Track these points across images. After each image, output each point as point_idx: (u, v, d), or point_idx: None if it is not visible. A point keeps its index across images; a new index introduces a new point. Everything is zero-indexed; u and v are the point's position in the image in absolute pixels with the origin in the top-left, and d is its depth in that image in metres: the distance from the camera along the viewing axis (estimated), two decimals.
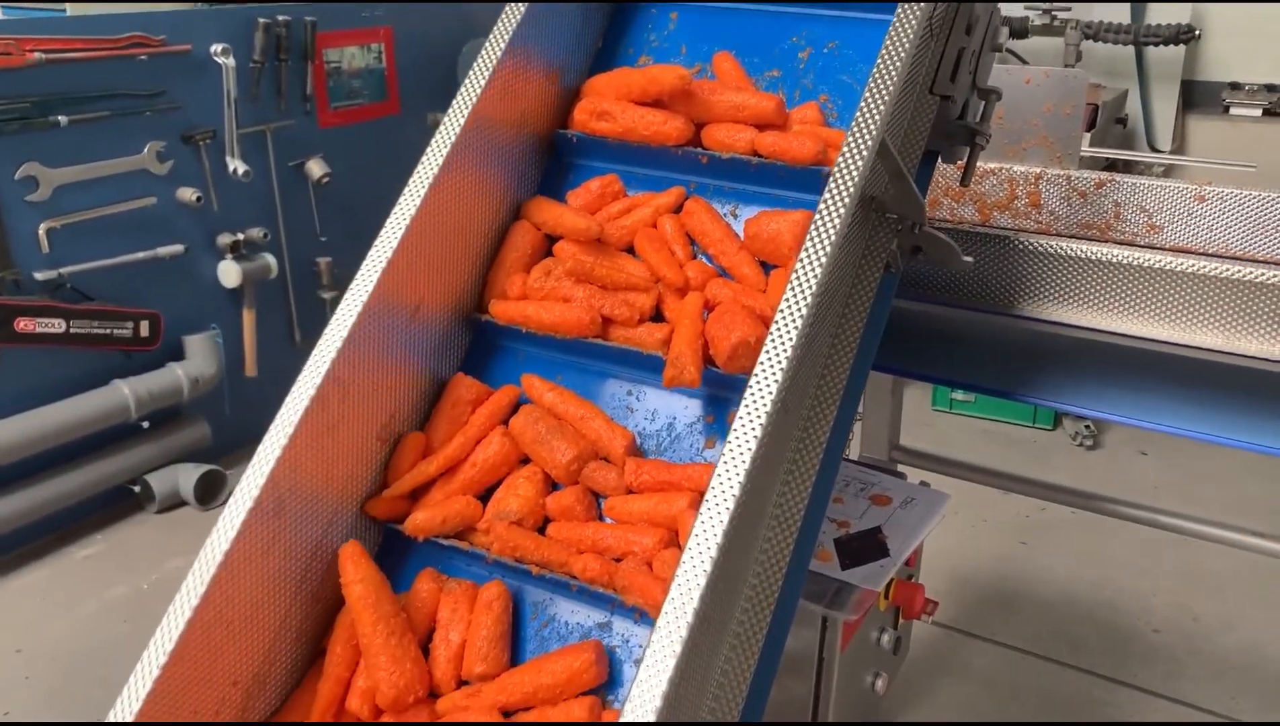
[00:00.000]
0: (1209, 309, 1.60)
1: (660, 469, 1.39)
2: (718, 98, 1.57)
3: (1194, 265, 1.57)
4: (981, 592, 3.43)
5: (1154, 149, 4.69)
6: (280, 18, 4.02)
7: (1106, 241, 2.09)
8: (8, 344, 3.39)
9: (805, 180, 1.50)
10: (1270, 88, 4.54)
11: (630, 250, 1.56)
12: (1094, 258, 1.65)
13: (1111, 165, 4.32)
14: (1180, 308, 1.61)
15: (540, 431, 1.43)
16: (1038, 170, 2.13)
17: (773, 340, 1.17)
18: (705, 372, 1.36)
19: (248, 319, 4.09)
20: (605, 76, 1.66)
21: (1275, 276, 1.53)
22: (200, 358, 3.92)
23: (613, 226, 1.55)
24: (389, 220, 1.42)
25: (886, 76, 1.32)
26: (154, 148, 3.71)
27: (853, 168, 1.26)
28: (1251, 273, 1.54)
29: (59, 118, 3.43)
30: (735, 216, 1.58)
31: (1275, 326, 1.55)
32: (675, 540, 1.33)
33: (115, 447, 3.75)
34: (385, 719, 1.28)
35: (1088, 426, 4.36)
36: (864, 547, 1.74)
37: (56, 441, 3.53)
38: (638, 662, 1.20)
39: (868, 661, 1.93)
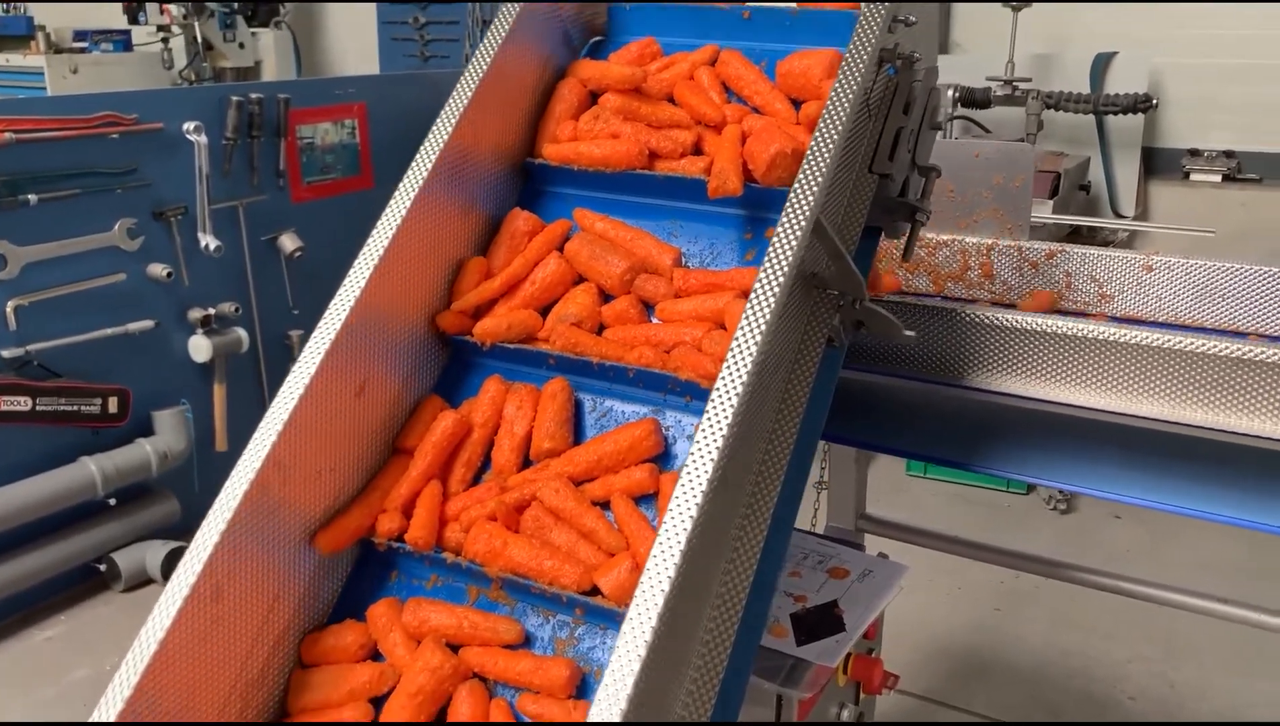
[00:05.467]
0: (1152, 378, 1.61)
1: (706, 274, 1.51)
2: None
3: (1134, 336, 1.59)
4: (956, 661, 3.40)
5: (1118, 214, 4.78)
6: (253, 96, 4.08)
7: (1058, 312, 2.12)
8: None
9: (837, 28, 1.62)
10: (1228, 154, 4.64)
11: (670, 102, 1.67)
12: (1039, 329, 1.66)
13: (1075, 231, 4.40)
14: (1125, 377, 1.63)
15: (594, 250, 1.55)
16: (990, 241, 2.17)
17: (709, 418, 1.17)
18: (745, 188, 1.47)
19: (218, 393, 4.08)
20: None
21: (1214, 346, 1.54)
22: (169, 433, 3.90)
23: (653, 79, 1.67)
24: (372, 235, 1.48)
25: (820, 158, 1.34)
26: (124, 225, 3.73)
27: (787, 248, 1.27)
28: (1193, 343, 1.56)
29: (29, 196, 3.45)
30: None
31: (1217, 395, 1.56)
32: (722, 327, 1.44)
33: (81, 525, 3.70)
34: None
35: (1061, 491, 4.36)
36: (820, 622, 1.72)
37: (21, 520, 3.48)
38: (689, 438, 1.42)
39: None
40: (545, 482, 1.39)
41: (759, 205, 1.55)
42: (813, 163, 1.34)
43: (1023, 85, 4.52)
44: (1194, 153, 4.71)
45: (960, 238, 2.19)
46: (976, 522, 4.30)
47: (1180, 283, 2.00)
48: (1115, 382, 1.64)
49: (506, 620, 1.34)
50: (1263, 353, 1.52)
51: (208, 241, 3.95)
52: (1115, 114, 4.45)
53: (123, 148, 3.71)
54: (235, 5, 6.37)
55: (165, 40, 6.30)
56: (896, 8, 1.48)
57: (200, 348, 3.97)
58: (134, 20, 6.35)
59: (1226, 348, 1.54)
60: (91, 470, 3.62)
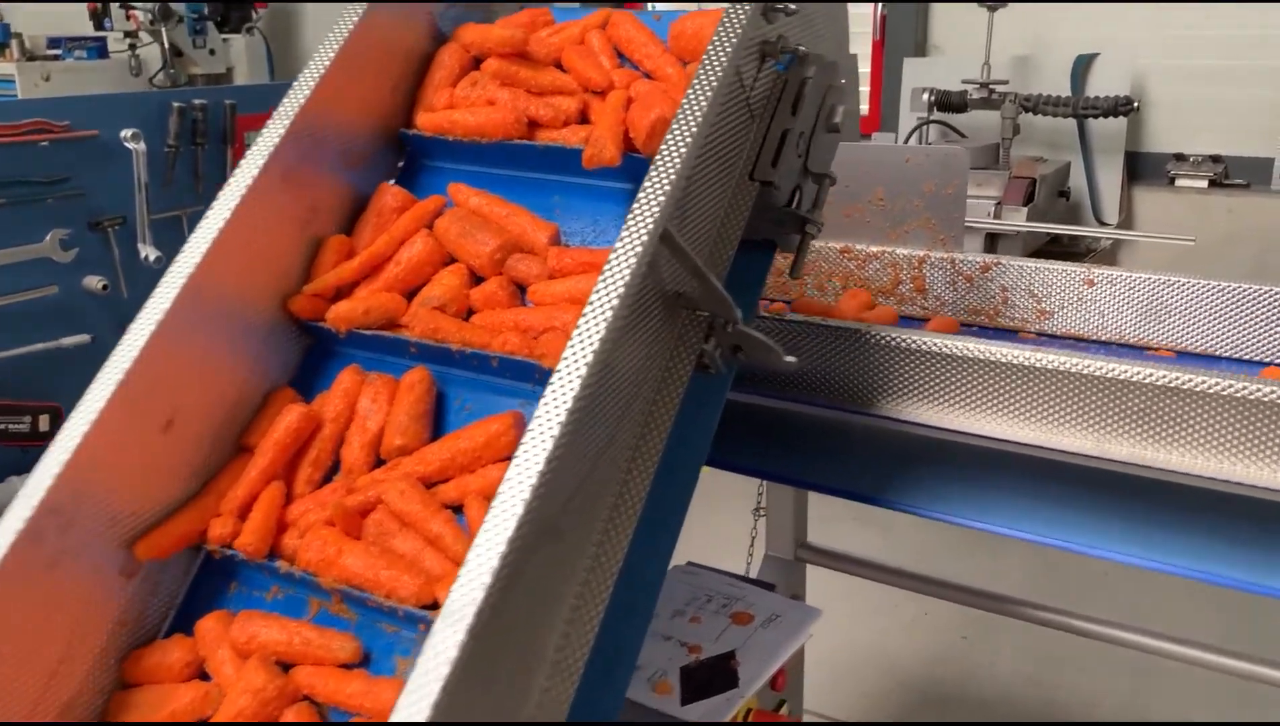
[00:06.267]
0: (1076, 408, 1.44)
1: (583, 253, 1.40)
2: None
3: (1053, 361, 1.42)
4: (916, 693, 3.23)
5: (1101, 222, 4.60)
6: (196, 101, 3.94)
7: (994, 329, 1.96)
8: None
9: None
10: (1215, 158, 4.46)
11: (559, 68, 1.55)
12: (949, 353, 1.49)
13: (1055, 240, 4.23)
14: (1046, 407, 1.46)
15: (464, 227, 1.44)
16: (921, 253, 2.00)
17: (517, 466, 1.01)
18: (627, 160, 1.38)
19: None
20: None
21: (1140, 373, 1.38)
22: None
23: (539, 42, 1.55)
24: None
25: (669, 163, 1.18)
26: (56, 236, 3.58)
27: (624, 266, 1.11)
28: (1116, 370, 1.39)
29: None
30: None
31: (1144, 427, 1.39)
32: None
33: None
34: None
35: None
36: (712, 677, 1.56)
37: None
38: None
39: None
40: (391, 483, 1.26)
41: (644, 177, 1.41)
42: (661, 169, 1.18)
43: (1000, 88, 4.35)
44: (1179, 157, 4.54)
45: (891, 250, 2.03)
46: (952, 543, 4.12)
47: (1123, 298, 1.83)
48: (1036, 413, 1.47)
49: (343, 636, 1.20)
50: (1195, 381, 1.35)
51: (148, 252, 3.81)
52: (1095, 117, 4.28)
53: (54, 156, 3.57)
54: (205, 11, 6.25)
55: (133, 47, 6.18)
56: None
57: None
58: (99, 26, 6.23)
59: (1156, 375, 1.38)
60: (18, 490, 3.47)
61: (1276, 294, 1.70)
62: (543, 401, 1.05)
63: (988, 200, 3.89)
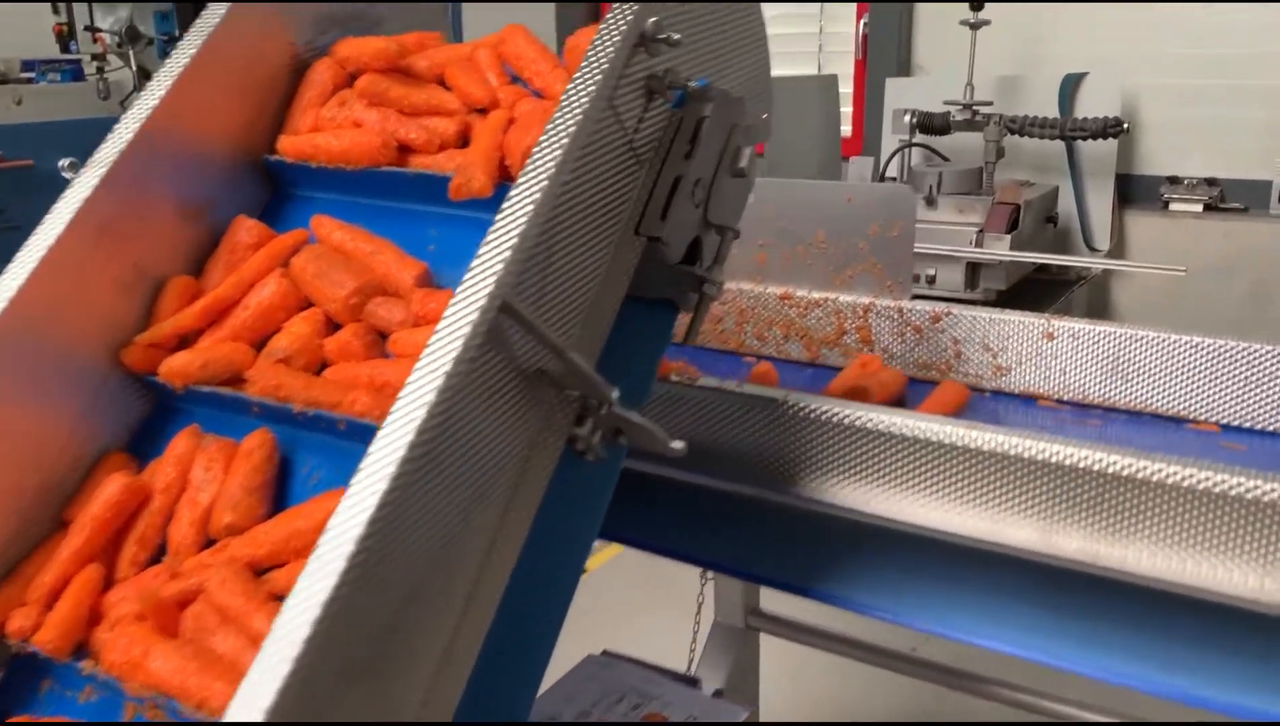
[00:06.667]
0: (1020, 497, 1.25)
1: (452, 296, 1.20)
2: None
3: (990, 440, 1.23)
4: None
5: (1091, 248, 4.40)
6: None
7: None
8: None
9: None
10: (1210, 181, 4.26)
11: (443, 86, 1.40)
12: (872, 429, 1.30)
13: (1043, 269, 4.03)
14: (986, 495, 1.27)
15: (322, 267, 1.29)
16: (867, 301, 1.81)
17: (292, 606, 0.82)
18: (503, 190, 1.16)
19: None
20: None
21: (1091, 458, 1.18)
22: None
23: (420, 57, 1.40)
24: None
25: (516, 218, 0.99)
26: None
27: (450, 346, 0.93)
28: (1064, 453, 1.20)
29: None
30: None
31: (1096, 520, 1.20)
32: None
33: None
34: None
35: None
36: None
37: None
38: None
39: None
40: (215, 570, 1.08)
41: None
42: (504, 227, 0.99)
43: (984, 109, 4.16)
44: (1173, 180, 4.33)
45: (834, 296, 1.84)
46: None
47: (1086, 354, 1.64)
48: (974, 501, 1.28)
49: None
50: (1155, 469, 1.16)
51: None
52: (1084, 139, 4.08)
53: None
54: (175, 32, 6.11)
55: (100, 70, 6.03)
56: (646, 18, 1.12)
57: None
58: (65, 49, 6.09)
59: (1109, 461, 1.18)
60: None
61: (1252, 351, 1.51)
62: (339, 508, 0.87)
63: (969, 227, 3.69)
